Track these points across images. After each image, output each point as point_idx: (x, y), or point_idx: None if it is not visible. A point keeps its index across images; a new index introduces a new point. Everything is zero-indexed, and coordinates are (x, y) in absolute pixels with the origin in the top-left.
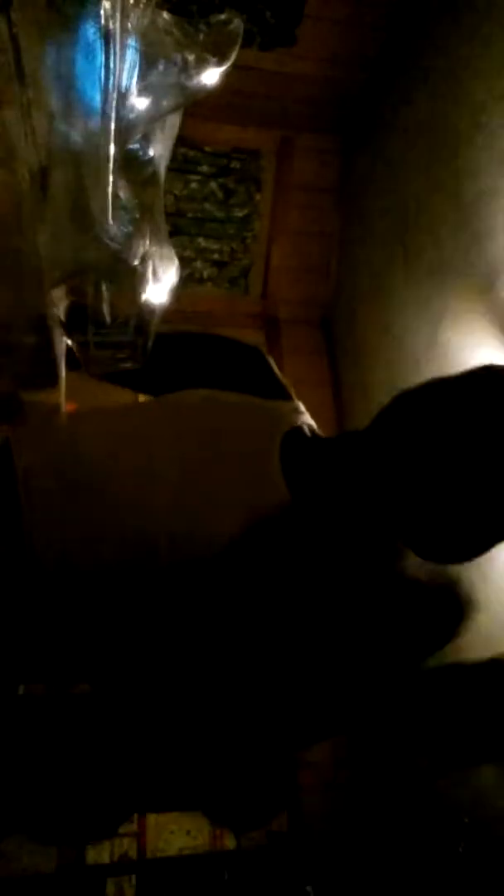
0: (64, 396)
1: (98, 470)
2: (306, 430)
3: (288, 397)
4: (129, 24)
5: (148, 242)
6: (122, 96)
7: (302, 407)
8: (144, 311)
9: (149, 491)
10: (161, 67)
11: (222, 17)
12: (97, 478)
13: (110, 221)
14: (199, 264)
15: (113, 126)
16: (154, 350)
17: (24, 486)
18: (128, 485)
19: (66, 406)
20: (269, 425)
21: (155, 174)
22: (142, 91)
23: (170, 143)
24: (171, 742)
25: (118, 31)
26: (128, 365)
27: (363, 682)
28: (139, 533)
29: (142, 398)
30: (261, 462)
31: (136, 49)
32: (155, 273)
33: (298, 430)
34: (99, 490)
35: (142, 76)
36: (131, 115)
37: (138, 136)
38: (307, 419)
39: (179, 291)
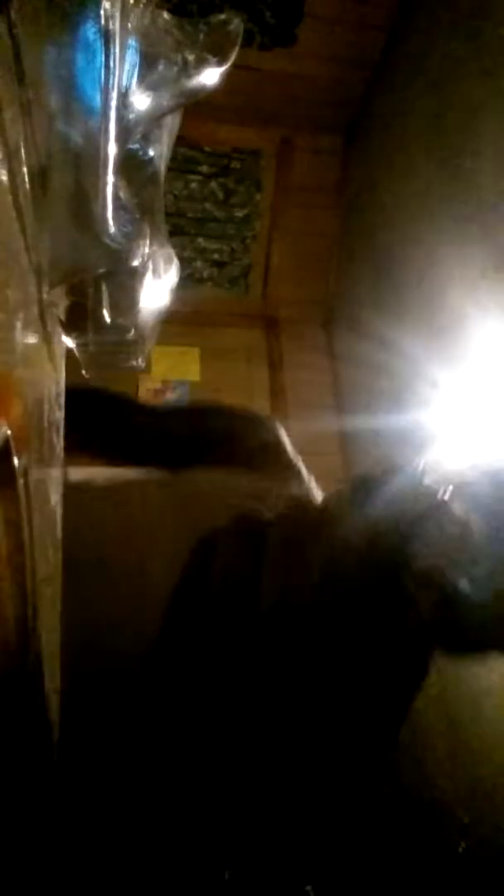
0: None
1: (86, 573)
2: (294, 512)
3: (298, 472)
4: (129, 24)
5: (148, 242)
6: (122, 96)
7: (303, 481)
8: (144, 312)
9: (137, 605)
10: (161, 67)
11: (222, 17)
12: (84, 582)
13: (110, 221)
14: (199, 264)
15: (113, 126)
16: (155, 423)
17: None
18: (118, 593)
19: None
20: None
21: (155, 174)
22: (142, 91)
23: (170, 143)
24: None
25: (118, 31)
26: (128, 365)
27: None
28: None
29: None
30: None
31: (136, 49)
32: (155, 273)
33: (300, 507)
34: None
35: (142, 76)
36: (131, 115)
37: (138, 136)
38: (310, 490)
39: (179, 291)
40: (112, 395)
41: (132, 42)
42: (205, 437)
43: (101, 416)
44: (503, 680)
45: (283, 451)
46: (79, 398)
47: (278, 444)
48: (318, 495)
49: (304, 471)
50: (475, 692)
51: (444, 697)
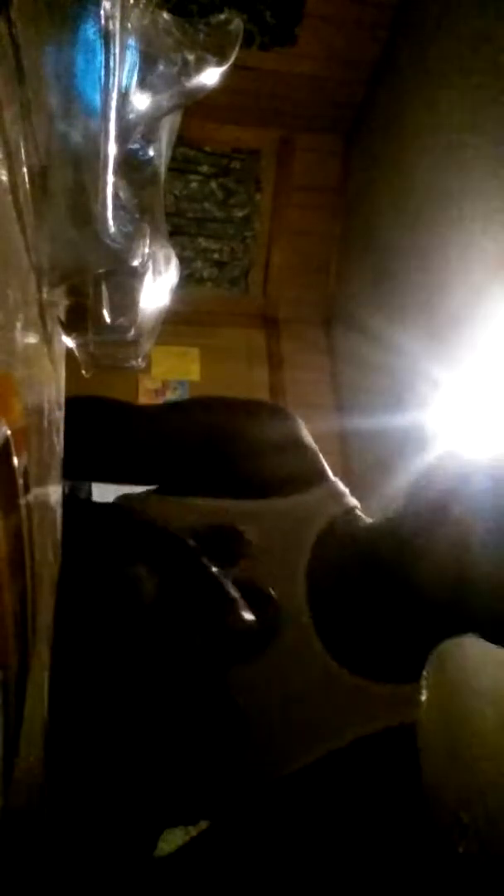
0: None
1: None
2: (340, 524)
3: (321, 477)
4: (129, 24)
5: (148, 242)
6: (122, 96)
7: (338, 487)
8: (144, 312)
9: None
10: (161, 67)
11: (222, 17)
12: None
13: (110, 221)
14: (199, 264)
15: (113, 126)
16: (155, 427)
17: None
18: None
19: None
20: (296, 533)
21: (155, 174)
22: (142, 91)
23: (170, 142)
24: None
25: (118, 31)
26: (128, 365)
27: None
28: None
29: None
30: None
31: (136, 49)
32: (155, 273)
33: (330, 530)
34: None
35: (142, 76)
36: (131, 115)
37: (138, 136)
38: (344, 503)
39: (179, 291)
40: (104, 403)
41: (132, 42)
42: (208, 435)
43: (99, 431)
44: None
45: (304, 450)
46: (74, 410)
47: (296, 442)
48: (354, 504)
49: (331, 475)
50: (476, 689)
51: (444, 696)
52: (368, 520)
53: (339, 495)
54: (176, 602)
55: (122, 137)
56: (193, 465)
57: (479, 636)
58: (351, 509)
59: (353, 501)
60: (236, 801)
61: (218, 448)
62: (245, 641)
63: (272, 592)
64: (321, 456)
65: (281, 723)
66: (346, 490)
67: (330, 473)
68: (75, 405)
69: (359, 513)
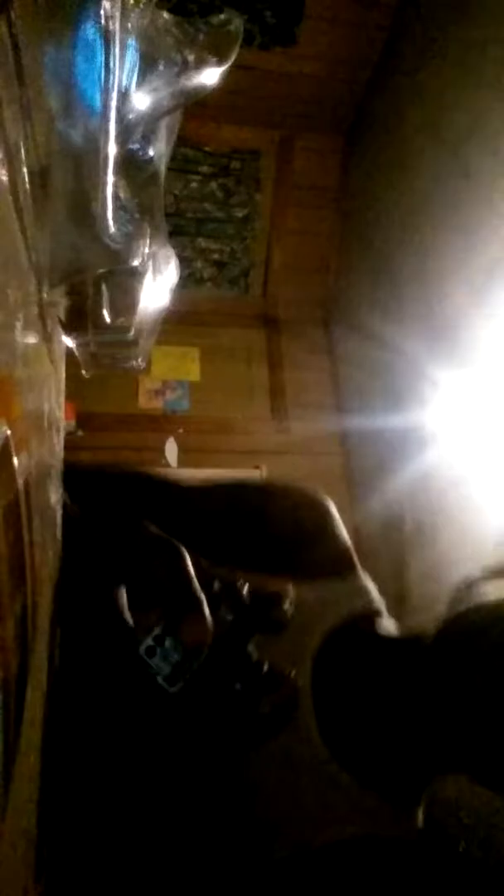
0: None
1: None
2: (360, 622)
3: (349, 569)
4: (129, 24)
5: (148, 242)
6: (122, 96)
7: (365, 582)
8: (144, 312)
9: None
10: (161, 67)
11: (222, 17)
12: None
13: (110, 221)
14: (199, 264)
15: (113, 126)
16: (191, 505)
17: None
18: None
19: (64, 406)
20: (314, 618)
21: (155, 174)
22: (142, 91)
23: (170, 143)
24: None
25: (118, 31)
26: (128, 365)
27: None
28: None
29: None
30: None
31: (136, 49)
32: (155, 273)
33: (349, 626)
34: None
35: (142, 76)
36: (131, 115)
37: (138, 136)
38: (367, 599)
39: (179, 291)
40: (142, 477)
41: (132, 42)
42: (243, 518)
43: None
44: None
45: (334, 540)
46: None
47: (327, 531)
48: (378, 601)
49: (359, 569)
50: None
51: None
52: (391, 626)
53: (364, 591)
54: (204, 689)
55: (122, 137)
56: (231, 543)
57: (468, 776)
58: (375, 609)
59: (378, 601)
60: (232, 884)
61: (252, 530)
62: (267, 725)
63: (293, 675)
64: (352, 548)
65: (275, 807)
66: (372, 587)
67: (359, 567)
68: (113, 481)
69: (382, 615)
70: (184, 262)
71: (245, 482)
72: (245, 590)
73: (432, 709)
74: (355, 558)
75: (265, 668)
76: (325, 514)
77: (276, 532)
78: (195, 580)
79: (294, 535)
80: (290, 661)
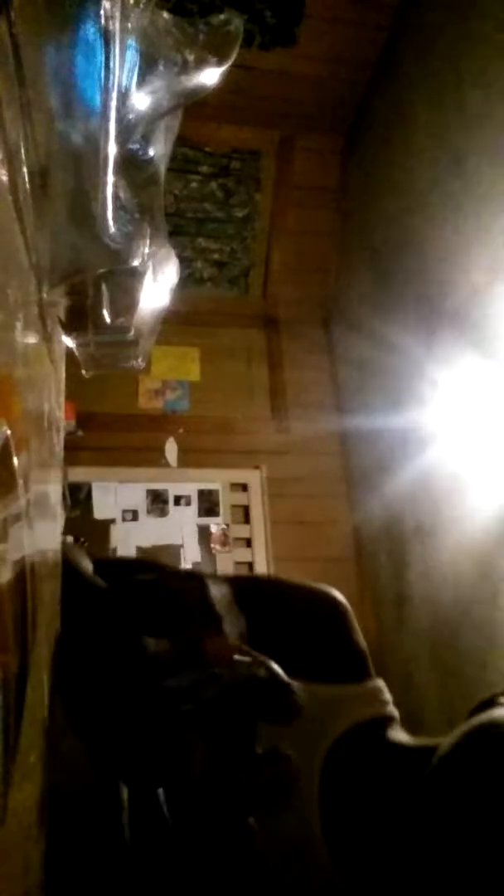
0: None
1: None
2: (372, 726)
3: (362, 674)
4: (129, 24)
5: (148, 242)
6: (122, 96)
7: (379, 688)
8: (144, 312)
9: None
10: (161, 67)
11: (222, 17)
12: None
13: (110, 221)
14: (199, 264)
15: (113, 126)
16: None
17: None
18: None
19: (64, 406)
20: (326, 719)
21: (155, 174)
22: (142, 91)
23: (170, 143)
24: None
25: (118, 31)
26: (128, 365)
27: None
28: None
29: None
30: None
31: (136, 49)
32: (155, 273)
33: (361, 729)
34: None
35: (142, 76)
36: (131, 115)
37: (138, 136)
38: (384, 704)
39: (179, 291)
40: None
41: (132, 42)
42: (252, 615)
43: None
44: None
45: (351, 646)
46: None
47: (344, 637)
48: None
49: (374, 676)
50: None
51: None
52: (403, 735)
53: (379, 697)
54: (221, 776)
55: (122, 137)
56: (244, 639)
57: None
58: (388, 715)
59: (391, 708)
60: None
61: (265, 628)
62: (264, 795)
63: (291, 754)
64: (367, 653)
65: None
66: (387, 695)
67: (373, 674)
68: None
69: (395, 723)
70: (184, 262)
71: (258, 578)
72: (262, 671)
73: (425, 825)
74: (370, 663)
75: (269, 747)
76: (342, 616)
77: (289, 632)
78: (216, 604)
79: (309, 637)
80: (302, 754)
